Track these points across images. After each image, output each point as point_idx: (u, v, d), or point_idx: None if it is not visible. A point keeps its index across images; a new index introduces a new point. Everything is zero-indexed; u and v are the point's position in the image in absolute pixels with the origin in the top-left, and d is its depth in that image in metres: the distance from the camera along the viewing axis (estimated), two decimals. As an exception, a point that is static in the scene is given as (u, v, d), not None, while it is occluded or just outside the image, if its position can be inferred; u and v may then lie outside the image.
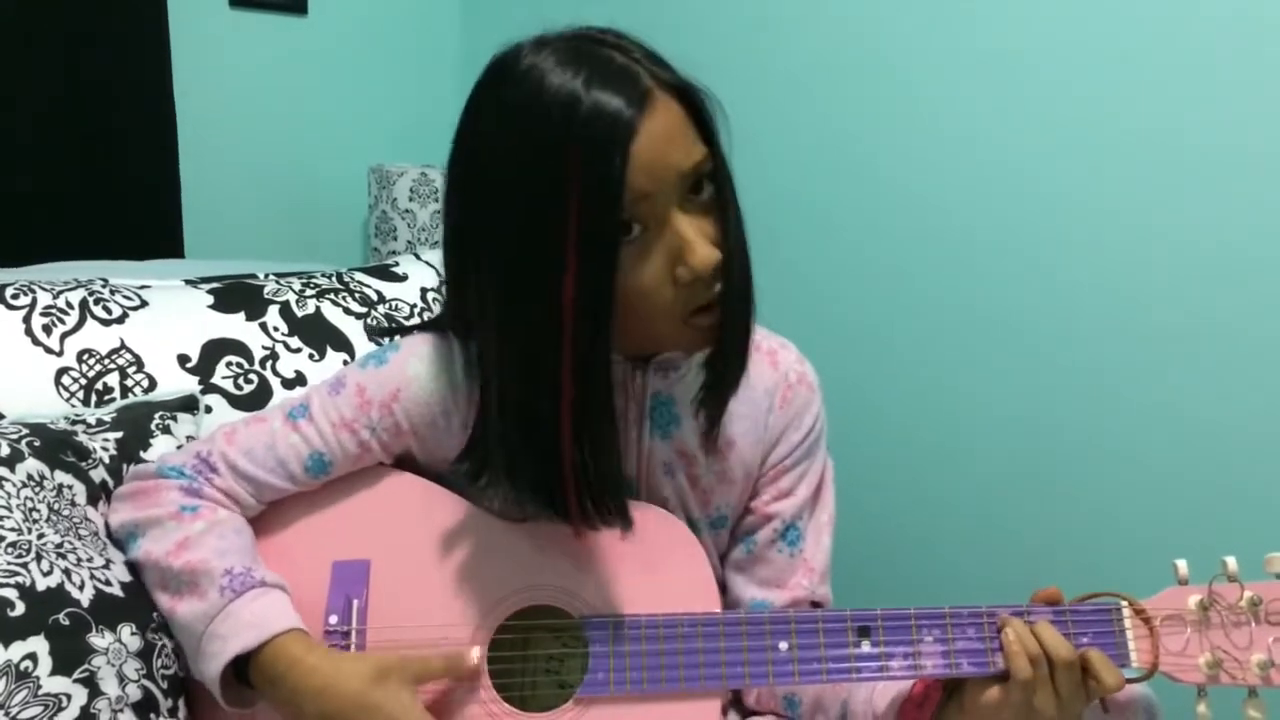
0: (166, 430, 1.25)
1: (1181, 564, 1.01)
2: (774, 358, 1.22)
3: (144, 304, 1.40)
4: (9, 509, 1.04)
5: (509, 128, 0.95)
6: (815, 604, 1.22)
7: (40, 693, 0.96)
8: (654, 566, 1.10)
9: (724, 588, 1.22)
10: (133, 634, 1.04)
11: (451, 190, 1.04)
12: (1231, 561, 1.00)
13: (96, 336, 1.33)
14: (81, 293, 1.36)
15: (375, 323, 1.53)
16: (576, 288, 0.93)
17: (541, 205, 0.92)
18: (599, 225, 0.92)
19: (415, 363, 1.13)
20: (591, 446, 1.00)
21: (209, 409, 1.35)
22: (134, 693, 1.02)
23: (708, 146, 0.99)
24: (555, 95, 0.92)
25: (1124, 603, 1.02)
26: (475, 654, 1.04)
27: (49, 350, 1.29)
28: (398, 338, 1.19)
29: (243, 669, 1.02)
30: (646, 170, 0.93)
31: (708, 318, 1.01)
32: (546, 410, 0.97)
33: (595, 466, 1.01)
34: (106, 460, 1.18)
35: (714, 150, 1.00)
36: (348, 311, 1.52)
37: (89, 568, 1.05)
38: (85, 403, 1.29)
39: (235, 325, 1.43)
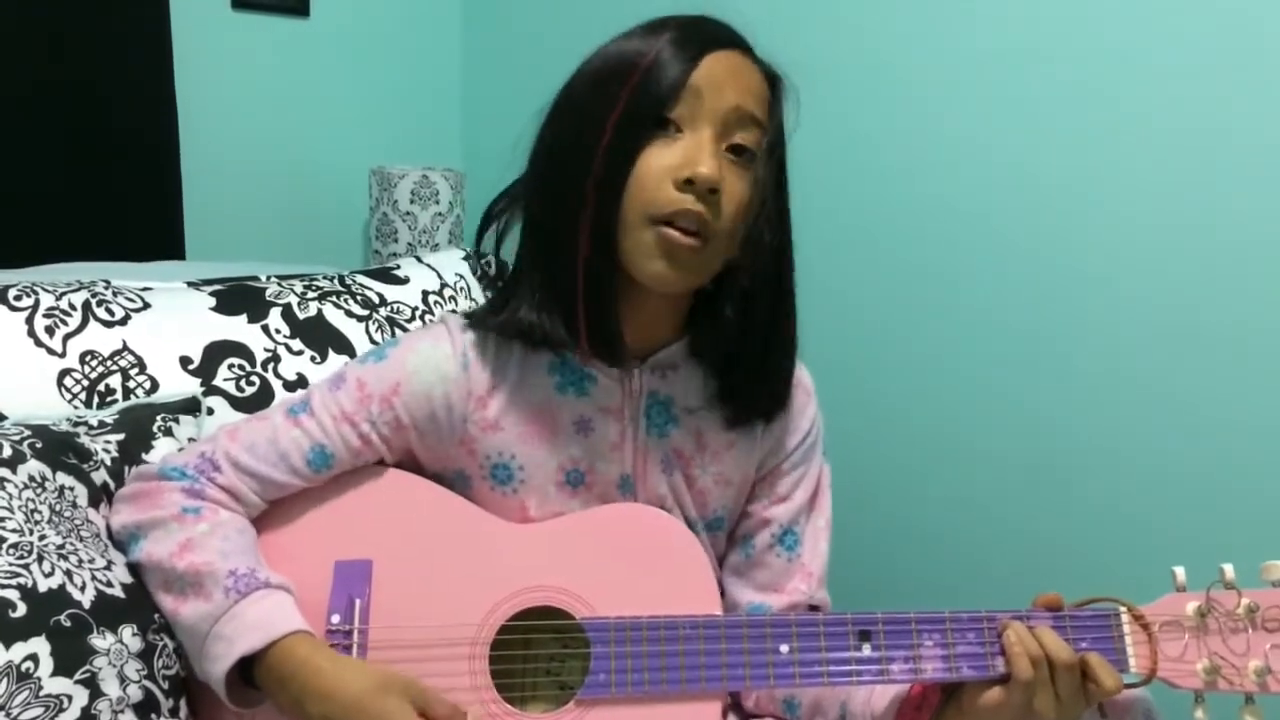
0: (168, 432, 1.26)
1: (1180, 571, 1.02)
2: None
3: (146, 306, 1.40)
4: (10, 510, 1.04)
5: (596, 60, 1.08)
6: (813, 608, 1.22)
7: (41, 694, 0.96)
8: (655, 568, 1.10)
9: (722, 592, 1.22)
10: (134, 635, 1.04)
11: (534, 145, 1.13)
12: (1229, 569, 1.00)
13: (99, 338, 1.33)
14: (84, 294, 1.36)
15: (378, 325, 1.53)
16: (604, 163, 1.03)
17: (603, 86, 1.05)
18: (645, 104, 1.03)
19: (414, 358, 1.14)
20: (601, 298, 1.07)
21: (210, 411, 1.35)
22: (135, 694, 1.02)
23: (766, 126, 1.09)
24: (644, 36, 1.07)
25: (1123, 608, 1.02)
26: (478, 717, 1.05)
27: (51, 351, 1.30)
28: (397, 333, 1.20)
29: (247, 670, 1.02)
30: (707, 81, 1.04)
31: (673, 231, 1.04)
32: (566, 265, 1.07)
33: (605, 316, 1.08)
34: (108, 462, 1.18)
35: (772, 132, 1.11)
36: (349, 314, 1.53)
37: (90, 569, 1.05)
38: (87, 404, 1.29)
39: (237, 327, 1.44)
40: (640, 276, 1.07)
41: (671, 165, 1.03)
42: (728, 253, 1.08)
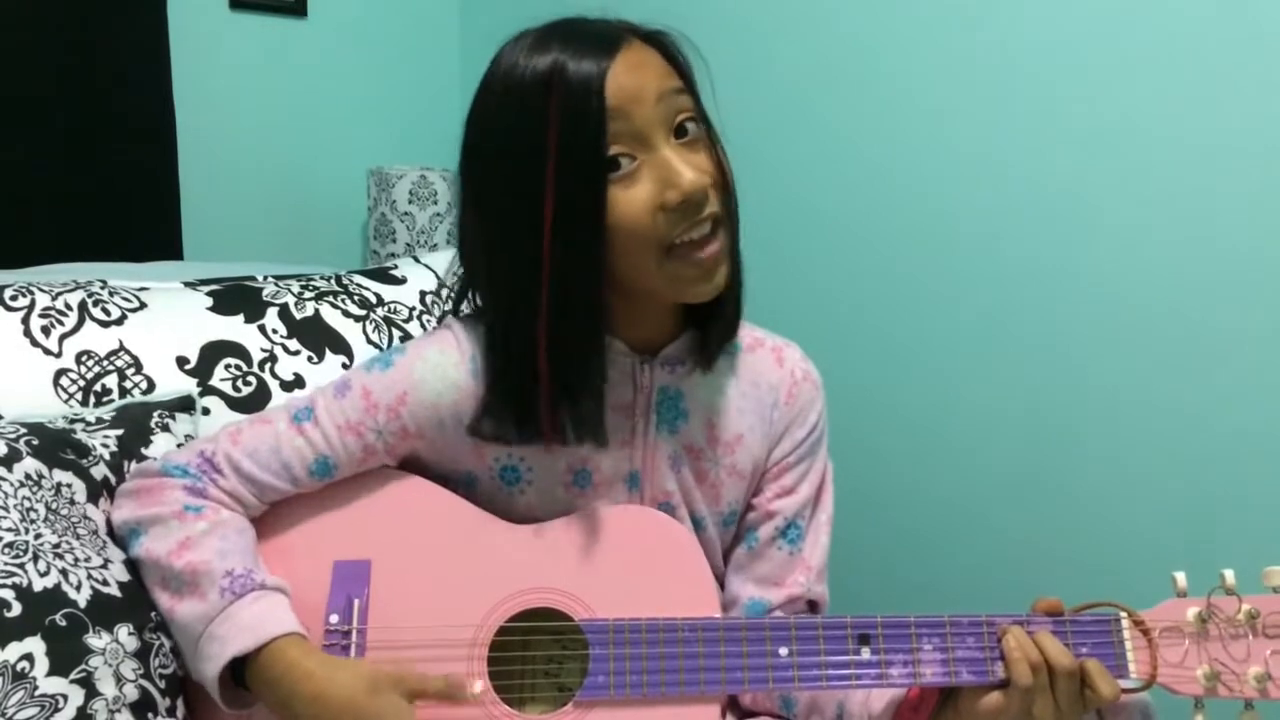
0: (165, 428, 1.25)
1: (1180, 576, 1.02)
2: (779, 355, 1.24)
3: (143, 306, 1.40)
4: (6, 509, 1.03)
5: (496, 99, 1.04)
6: (811, 602, 1.23)
7: (37, 693, 0.95)
8: (654, 570, 1.10)
9: (722, 586, 1.23)
10: (130, 634, 1.03)
11: (459, 178, 1.10)
12: (1230, 574, 1.00)
13: (95, 338, 1.33)
14: (80, 294, 1.36)
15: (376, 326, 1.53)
16: (556, 217, 0.99)
17: (525, 141, 1.00)
18: (578, 151, 0.99)
19: (421, 366, 1.13)
20: (568, 363, 1.05)
21: (207, 411, 1.35)
22: (131, 693, 1.01)
23: (686, 85, 1.05)
24: (539, 57, 1.01)
25: (1123, 614, 1.02)
26: (479, 687, 1.04)
27: (47, 351, 1.29)
28: (397, 336, 1.20)
29: (240, 671, 1.02)
30: (623, 95, 0.99)
31: (699, 250, 1.04)
32: (524, 327, 1.04)
33: (572, 383, 1.06)
34: (107, 457, 1.17)
35: (692, 91, 1.07)
36: (346, 314, 1.52)
37: (86, 568, 1.04)
38: (84, 404, 1.29)
39: (234, 327, 1.43)
40: (684, 299, 1.09)
41: (651, 196, 1.01)
42: (735, 224, 1.09)
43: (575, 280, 1.02)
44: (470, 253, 1.12)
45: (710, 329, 1.14)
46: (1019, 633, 1.01)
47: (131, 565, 1.09)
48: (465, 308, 1.20)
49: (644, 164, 1.01)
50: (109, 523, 1.13)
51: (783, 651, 1.04)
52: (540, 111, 0.99)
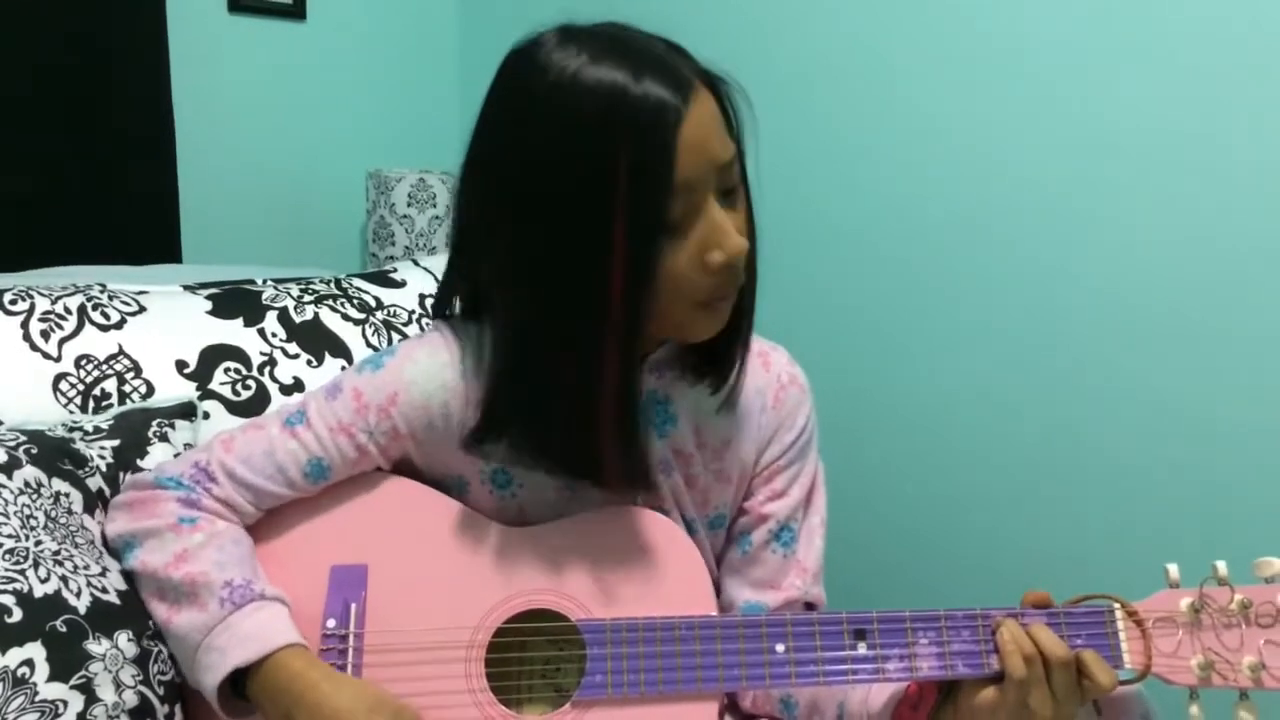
0: (164, 438, 1.26)
1: (1173, 567, 1.02)
2: (765, 359, 1.23)
3: (142, 309, 1.40)
4: (6, 516, 1.04)
5: (551, 118, 0.96)
6: (809, 605, 1.23)
7: (37, 699, 0.96)
8: (650, 570, 1.10)
9: (718, 590, 1.23)
10: (129, 641, 1.04)
11: (476, 180, 1.05)
12: (1222, 565, 1.00)
13: (94, 342, 1.33)
14: (79, 298, 1.36)
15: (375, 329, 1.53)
16: (624, 275, 0.96)
17: (589, 190, 0.94)
18: (646, 212, 0.95)
19: (411, 366, 1.13)
20: (629, 426, 1.04)
21: (206, 415, 1.35)
22: (130, 699, 1.02)
23: (735, 142, 1.03)
24: (600, 83, 0.94)
25: (1117, 605, 1.03)
26: None
27: (47, 356, 1.30)
28: (394, 339, 1.20)
29: (239, 681, 1.02)
30: (692, 158, 0.95)
31: (726, 304, 1.05)
32: (586, 392, 1.01)
33: (632, 444, 1.05)
34: (103, 468, 1.18)
35: (739, 146, 1.04)
36: (346, 317, 1.53)
37: (86, 575, 1.05)
38: (83, 408, 1.29)
39: (233, 331, 1.44)
40: (687, 340, 1.09)
41: (695, 253, 0.99)
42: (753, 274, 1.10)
43: (633, 341, 1.01)
44: (488, 279, 1.08)
45: (713, 366, 1.14)
46: (1013, 625, 1.01)
47: (128, 575, 1.10)
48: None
49: (690, 217, 0.98)
50: (103, 535, 1.13)
51: (779, 648, 1.04)
52: (606, 142, 0.93)
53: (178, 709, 1.08)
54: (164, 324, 1.40)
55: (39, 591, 1.00)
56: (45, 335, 1.31)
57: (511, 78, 1.02)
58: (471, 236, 1.09)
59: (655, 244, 0.97)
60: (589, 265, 0.96)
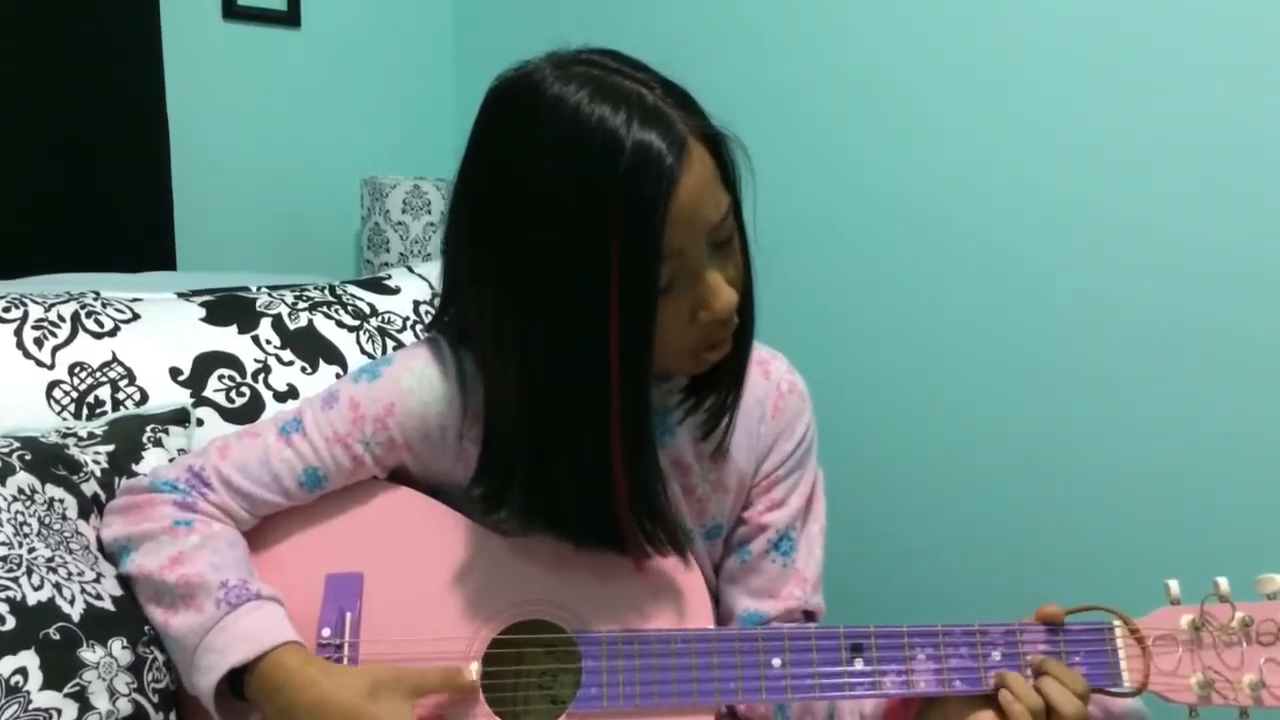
0: (158, 443, 1.25)
1: (1174, 584, 1.01)
2: (765, 368, 1.23)
3: (136, 317, 1.39)
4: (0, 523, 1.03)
5: (546, 159, 0.94)
6: (808, 614, 1.22)
7: (31, 707, 0.95)
8: (646, 582, 1.10)
9: (716, 600, 1.23)
10: (124, 648, 1.03)
11: (465, 208, 1.04)
12: (1223, 582, 1.00)
13: (88, 349, 1.33)
14: (73, 305, 1.36)
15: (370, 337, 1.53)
16: (621, 340, 0.95)
17: (583, 255, 0.93)
18: (640, 281, 0.94)
19: (409, 377, 1.13)
20: (642, 487, 1.03)
21: (200, 422, 1.35)
22: (125, 707, 1.01)
23: (730, 192, 1.01)
24: (597, 132, 0.93)
25: (1117, 622, 1.02)
26: (474, 670, 1.04)
27: (40, 363, 1.29)
28: (391, 350, 1.19)
29: (237, 682, 1.02)
30: (684, 227, 0.95)
31: (718, 351, 1.06)
32: (594, 458, 1.01)
33: (648, 505, 1.04)
34: (98, 474, 1.17)
35: (735, 195, 1.03)
36: (340, 324, 1.52)
37: (80, 582, 1.04)
38: (76, 416, 1.28)
39: (227, 338, 1.43)
40: (679, 375, 1.11)
41: (686, 310, 1.00)
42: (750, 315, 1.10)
43: (638, 401, 1.00)
44: (477, 314, 1.06)
45: (705, 410, 1.15)
46: (1017, 681, 0.99)
47: (124, 580, 1.09)
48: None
49: (680, 273, 0.98)
50: (99, 539, 1.12)
51: (776, 662, 1.03)
52: (600, 204, 0.92)
53: (171, 716, 1.07)
54: (158, 331, 1.39)
55: (32, 599, 0.99)
56: (39, 343, 1.30)
57: (500, 108, 1.01)
58: (458, 256, 1.09)
59: (650, 311, 0.96)
60: (587, 333, 0.96)
